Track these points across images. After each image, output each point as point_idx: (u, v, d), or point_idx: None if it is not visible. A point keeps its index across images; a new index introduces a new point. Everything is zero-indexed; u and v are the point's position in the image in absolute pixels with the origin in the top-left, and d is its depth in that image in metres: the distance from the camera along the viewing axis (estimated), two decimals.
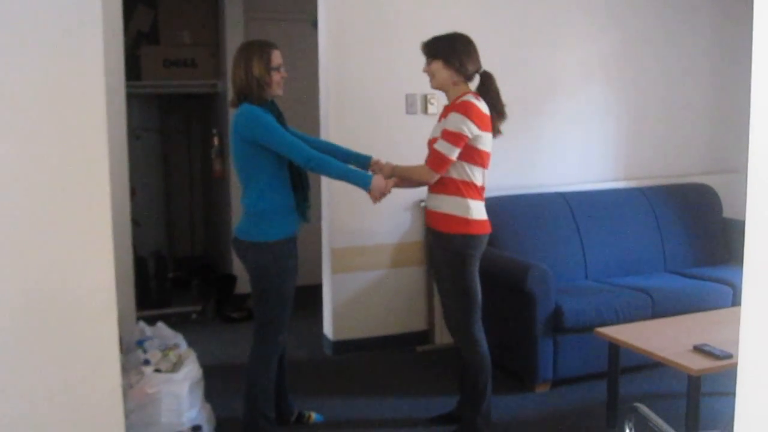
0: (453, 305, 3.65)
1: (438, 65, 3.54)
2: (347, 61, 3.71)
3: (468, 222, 3.51)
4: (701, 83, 5.81)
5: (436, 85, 3.62)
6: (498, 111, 3.59)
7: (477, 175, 3.52)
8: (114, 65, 3.88)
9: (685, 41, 5.70)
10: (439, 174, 3.46)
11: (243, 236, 3.50)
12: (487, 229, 3.61)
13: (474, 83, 3.63)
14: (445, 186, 3.51)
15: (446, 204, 3.52)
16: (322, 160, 3.42)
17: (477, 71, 3.59)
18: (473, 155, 3.47)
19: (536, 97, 5.27)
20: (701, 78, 5.81)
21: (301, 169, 3.53)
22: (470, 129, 3.41)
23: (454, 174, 3.49)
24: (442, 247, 3.59)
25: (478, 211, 3.54)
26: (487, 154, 3.54)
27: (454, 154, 3.41)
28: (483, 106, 3.48)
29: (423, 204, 3.56)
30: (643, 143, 5.65)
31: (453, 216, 3.51)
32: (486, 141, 3.50)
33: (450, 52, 3.52)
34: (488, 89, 3.59)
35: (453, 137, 3.41)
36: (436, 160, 3.45)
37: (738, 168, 5.88)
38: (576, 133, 5.41)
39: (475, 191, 3.53)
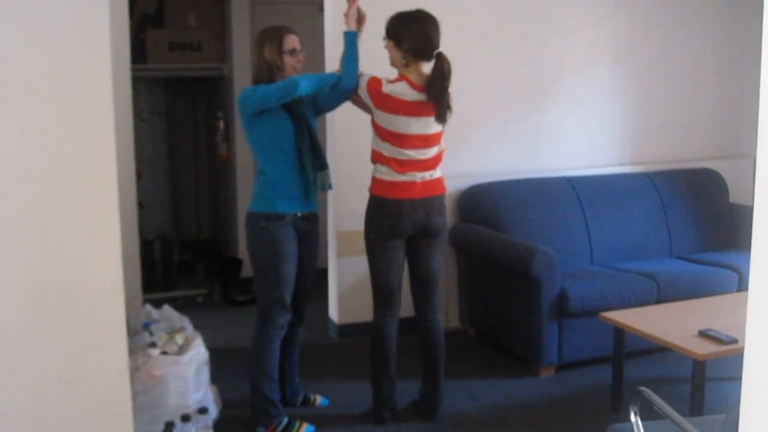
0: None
1: (390, 45, 3.55)
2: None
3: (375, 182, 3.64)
4: (708, 67, 5.78)
5: (391, 64, 3.61)
6: (433, 94, 3.50)
7: (384, 148, 3.56)
8: (120, 48, 3.87)
9: (692, 25, 5.66)
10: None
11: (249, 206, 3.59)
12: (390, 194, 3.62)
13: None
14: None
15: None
16: (302, 80, 3.40)
17: (431, 52, 3.52)
18: (376, 128, 3.57)
19: (542, 81, 5.25)
20: (708, 62, 5.78)
21: (310, 149, 3.55)
22: (364, 91, 3.53)
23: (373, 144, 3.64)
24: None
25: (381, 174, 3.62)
26: (394, 134, 3.52)
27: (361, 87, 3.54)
28: (393, 87, 3.48)
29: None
30: (650, 127, 5.63)
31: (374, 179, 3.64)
32: (385, 120, 3.51)
33: (402, 34, 3.50)
34: (434, 70, 3.52)
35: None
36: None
37: (745, 153, 5.87)
38: (582, 117, 5.39)
39: (383, 159, 3.58)
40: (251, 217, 3.54)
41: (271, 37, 3.47)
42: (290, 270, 3.55)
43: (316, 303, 5.21)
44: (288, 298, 3.57)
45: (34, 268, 2.00)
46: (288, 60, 3.46)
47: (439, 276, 3.79)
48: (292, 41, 3.49)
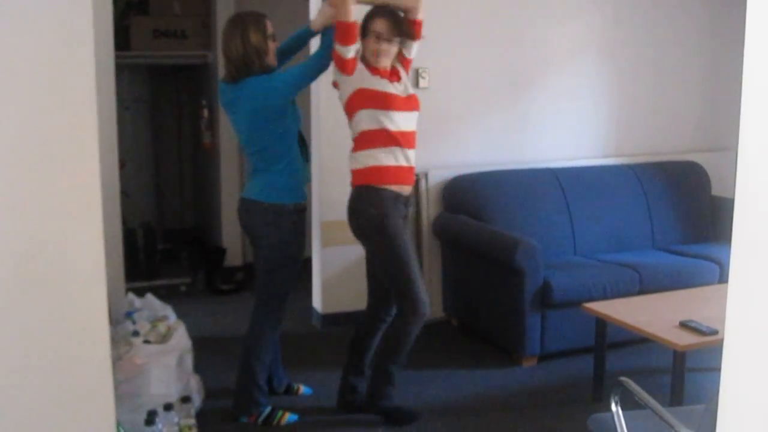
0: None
1: (396, 48, 3.52)
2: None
3: None
4: (692, 60, 5.81)
5: (388, 63, 3.53)
6: None
7: None
8: (103, 35, 3.84)
9: (677, 18, 5.68)
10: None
11: (263, 198, 3.50)
12: None
13: None
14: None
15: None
16: (315, 58, 3.49)
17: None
18: None
19: (527, 71, 5.25)
20: (692, 55, 5.80)
21: (303, 137, 3.60)
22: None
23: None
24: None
25: None
26: None
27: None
28: None
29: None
30: (634, 120, 5.65)
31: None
32: None
33: (408, 38, 3.55)
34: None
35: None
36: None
37: (727, 146, 5.90)
38: (566, 109, 5.40)
39: None
40: (278, 210, 3.47)
41: (254, 22, 3.43)
42: (302, 259, 3.64)
43: (299, 292, 5.22)
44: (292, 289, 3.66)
45: (15, 256, 1.99)
46: (271, 45, 3.45)
47: (381, 276, 3.61)
48: (271, 26, 3.48)
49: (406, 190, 3.54)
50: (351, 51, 3.36)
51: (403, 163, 3.48)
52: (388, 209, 3.46)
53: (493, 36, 5.13)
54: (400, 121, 3.46)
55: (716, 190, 5.61)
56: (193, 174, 7.43)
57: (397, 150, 3.46)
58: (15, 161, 1.97)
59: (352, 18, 3.33)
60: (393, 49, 3.50)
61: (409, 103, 3.52)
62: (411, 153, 3.52)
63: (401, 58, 3.61)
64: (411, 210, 3.68)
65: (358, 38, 3.40)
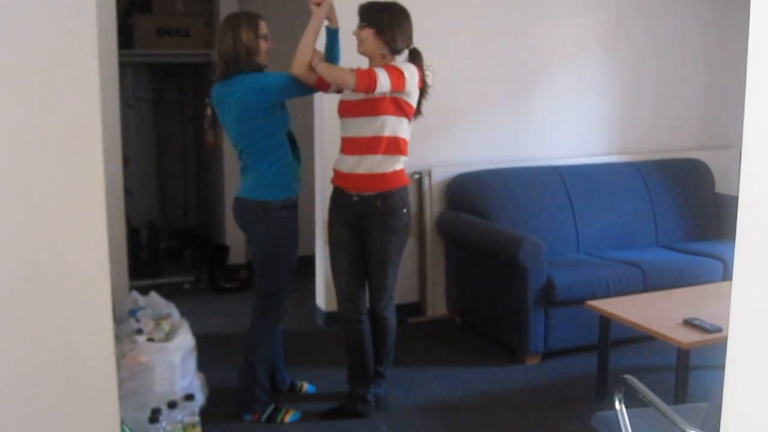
0: (390, 281, 3.67)
1: (369, 33, 3.47)
2: (342, 29, 3.73)
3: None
4: (696, 58, 5.79)
5: (363, 51, 3.53)
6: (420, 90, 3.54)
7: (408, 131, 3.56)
8: (107, 33, 3.85)
9: (681, 16, 5.67)
10: (360, 86, 3.31)
11: (251, 195, 3.52)
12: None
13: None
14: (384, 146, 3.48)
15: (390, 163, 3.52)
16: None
17: (407, 47, 3.54)
18: (411, 113, 3.51)
19: (530, 69, 5.25)
20: (696, 53, 5.79)
21: (293, 137, 3.60)
22: (412, 75, 3.41)
23: (389, 132, 3.45)
24: (387, 211, 3.52)
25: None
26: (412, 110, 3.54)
27: (385, 82, 3.32)
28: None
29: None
30: (637, 118, 5.64)
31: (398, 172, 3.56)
32: (414, 99, 3.51)
33: (384, 24, 3.45)
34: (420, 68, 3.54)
35: (393, 70, 3.36)
36: (366, 74, 3.33)
37: (731, 143, 5.89)
38: (570, 106, 5.40)
39: (406, 147, 3.56)
40: (266, 207, 3.48)
41: (247, 21, 3.46)
42: (296, 256, 3.63)
43: (303, 290, 5.22)
44: (290, 285, 3.65)
45: (19, 254, 1.99)
46: (263, 44, 3.47)
47: None
48: (264, 26, 3.51)
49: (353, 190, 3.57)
50: (311, 78, 3.44)
51: (338, 166, 3.62)
52: (330, 211, 3.70)
53: (496, 34, 5.12)
54: (345, 127, 3.57)
55: (720, 188, 5.60)
56: (196, 172, 7.42)
57: (340, 156, 3.61)
58: (19, 159, 1.97)
59: (313, 39, 3.42)
60: (366, 36, 3.48)
61: (356, 109, 3.48)
62: (350, 159, 3.53)
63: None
64: (372, 211, 3.54)
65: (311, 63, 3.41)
